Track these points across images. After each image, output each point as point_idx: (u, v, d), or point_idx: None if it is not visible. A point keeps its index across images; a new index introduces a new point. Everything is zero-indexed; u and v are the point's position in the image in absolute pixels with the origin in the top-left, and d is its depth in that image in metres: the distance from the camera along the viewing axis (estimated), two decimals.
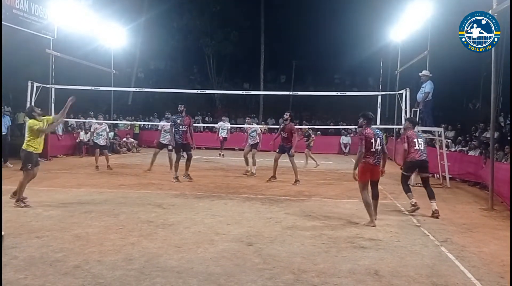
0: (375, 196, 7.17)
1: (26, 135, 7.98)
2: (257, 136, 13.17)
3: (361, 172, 6.97)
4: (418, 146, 8.01)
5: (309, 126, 21.28)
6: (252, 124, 13.98)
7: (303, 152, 16.13)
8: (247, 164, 13.14)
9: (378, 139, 6.95)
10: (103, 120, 14.41)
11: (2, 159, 12.81)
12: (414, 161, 8.03)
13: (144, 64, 32.58)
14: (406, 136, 8.13)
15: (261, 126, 21.78)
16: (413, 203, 7.96)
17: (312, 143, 16.50)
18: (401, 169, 8.39)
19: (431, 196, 7.99)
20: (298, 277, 4.58)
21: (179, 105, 11.26)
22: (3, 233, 5.28)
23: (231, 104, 29.64)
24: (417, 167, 8.26)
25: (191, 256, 5.15)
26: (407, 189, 8.16)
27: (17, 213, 7.00)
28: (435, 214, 7.70)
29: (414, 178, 11.78)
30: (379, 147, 6.96)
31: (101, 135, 13.56)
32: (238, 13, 29.22)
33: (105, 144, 13.72)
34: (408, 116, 12.30)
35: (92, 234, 5.94)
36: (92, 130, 13.88)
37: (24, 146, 7.90)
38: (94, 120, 19.80)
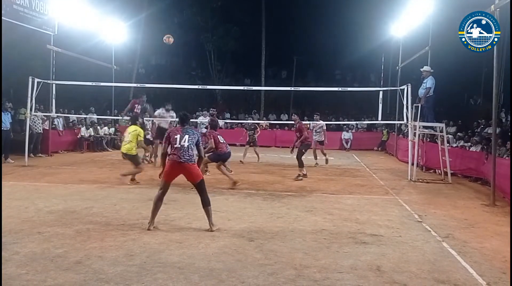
0: (204, 203, 6.19)
1: (129, 140, 9.67)
2: (322, 133, 13.85)
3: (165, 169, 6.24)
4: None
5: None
6: (319, 121, 14.59)
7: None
8: (315, 158, 14.39)
9: (186, 135, 6.17)
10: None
11: (3, 155, 12.83)
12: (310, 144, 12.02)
13: (145, 59, 32.46)
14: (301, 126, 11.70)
15: (262, 121, 21.78)
16: (304, 172, 11.07)
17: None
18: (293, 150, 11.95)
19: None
20: (299, 272, 4.58)
21: (211, 109, 12.39)
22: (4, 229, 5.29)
23: (232, 99, 29.56)
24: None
25: (193, 251, 5.15)
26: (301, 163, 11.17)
27: (18, 209, 7.01)
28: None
29: (415, 174, 11.81)
30: (185, 144, 6.13)
31: (148, 130, 14.43)
32: (239, 9, 29.11)
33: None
34: (409, 112, 12.26)
35: (93, 230, 5.94)
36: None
37: (131, 152, 9.74)
38: (95, 116, 19.85)
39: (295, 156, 11.63)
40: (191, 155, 6.15)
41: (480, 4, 9.04)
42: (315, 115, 14.95)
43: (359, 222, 6.85)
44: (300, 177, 10.95)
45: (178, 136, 6.18)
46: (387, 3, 20.15)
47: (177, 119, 9.16)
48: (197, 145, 6.31)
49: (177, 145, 6.13)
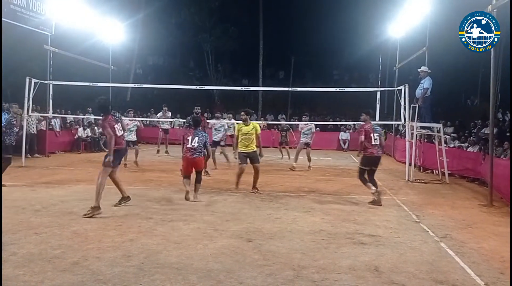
0: (197, 181, 8.32)
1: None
2: (311, 135, 13.41)
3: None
4: (374, 141, 8.27)
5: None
6: (307, 123, 13.93)
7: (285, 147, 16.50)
8: (296, 161, 13.49)
9: (196, 137, 8.16)
10: (133, 116, 14.43)
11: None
12: (372, 157, 8.30)
13: (142, 60, 32.47)
14: (364, 130, 8.45)
15: (260, 122, 21.73)
16: (373, 191, 8.20)
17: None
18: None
19: (375, 185, 8.42)
20: (298, 273, 4.57)
21: (196, 107, 11.72)
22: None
23: (230, 100, 29.58)
24: (373, 163, 8.36)
25: (191, 252, 5.14)
26: (364, 181, 8.39)
27: (15, 210, 6.98)
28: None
29: (413, 174, 11.82)
30: (195, 144, 8.14)
31: (132, 131, 13.41)
32: (236, 9, 29.14)
33: (136, 139, 13.63)
34: (407, 112, 12.28)
35: (91, 231, 5.92)
36: None
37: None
38: (92, 116, 19.79)
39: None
40: (200, 152, 8.18)
41: (478, 5, 9.06)
42: (304, 116, 14.57)
43: (357, 222, 6.85)
44: (375, 197, 8.25)
45: (190, 138, 8.12)
46: (384, 4, 20.21)
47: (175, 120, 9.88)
48: (205, 144, 8.27)
49: (189, 145, 8.11)
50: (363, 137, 8.38)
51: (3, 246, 5.04)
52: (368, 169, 8.39)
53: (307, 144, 13.56)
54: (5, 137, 9.30)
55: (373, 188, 8.24)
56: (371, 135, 8.26)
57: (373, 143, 8.23)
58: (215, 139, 13.12)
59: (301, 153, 13.55)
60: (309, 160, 13.60)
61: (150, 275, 4.39)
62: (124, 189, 7.61)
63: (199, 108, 11.92)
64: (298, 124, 18.01)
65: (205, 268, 4.63)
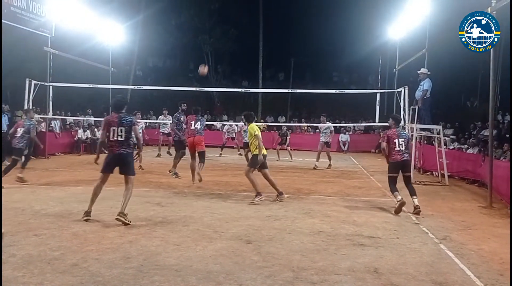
0: (200, 162, 10.20)
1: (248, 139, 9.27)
2: (329, 134, 14.16)
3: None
4: (399, 146, 7.89)
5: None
6: (325, 123, 14.60)
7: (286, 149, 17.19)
8: (317, 160, 14.43)
9: (199, 122, 10.35)
10: (140, 118, 14.34)
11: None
12: (396, 162, 7.92)
13: (142, 61, 32.43)
14: (386, 135, 8.10)
15: (260, 124, 21.74)
16: (398, 199, 7.65)
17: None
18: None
19: (412, 193, 7.92)
20: (297, 274, 4.57)
21: (182, 104, 11.62)
22: (3, 230, 5.25)
23: (229, 101, 29.60)
24: (400, 168, 8.00)
25: (190, 254, 5.14)
26: (392, 189, 7.94)
27: (15, 211, 6.97)
28: (416, 210, 7.68)
29: (412, 176, 11.80)
30: (198, 127, 10.28)
31: (139, 133, 13.24)
32: (236, 11, 29.16)
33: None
34: (406, 113, 12.29)
35: (90, 232, 5.91)
36: None
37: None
38: (92, 118, 19.79)
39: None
40: (200, 133, 10.28)
41: (477, 7, 9.07)
42: (321, 117, 14.92)
43: (356, 224, 6.84)
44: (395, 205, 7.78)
45: (193, 122, 10.30)
46: (384, 6, 20.24)
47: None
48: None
49: (193, 127, 10.29)
50: (384, 143, 8.09)
51: (3, 247, 5.04)
52: (395, 175, 7.97)
53: (326, 143, 14.32)
54: (20, 141, 9.92)
55: (399, 197, 7.70)
56: (395, 140, 7.90)
57: (396, 148, 7.87)
58: (245, 141, 13.82)
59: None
60: (329, 158, 14.45)
61: (149, 277, 4.39)
62: (123, 203, 6.55)
63: (185, 104, 11.96)
64: (298, 126, 18.67)
65: (205, 270, 4.63)
